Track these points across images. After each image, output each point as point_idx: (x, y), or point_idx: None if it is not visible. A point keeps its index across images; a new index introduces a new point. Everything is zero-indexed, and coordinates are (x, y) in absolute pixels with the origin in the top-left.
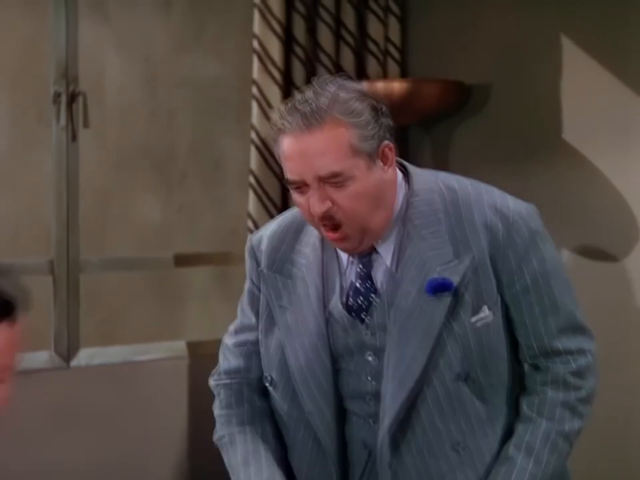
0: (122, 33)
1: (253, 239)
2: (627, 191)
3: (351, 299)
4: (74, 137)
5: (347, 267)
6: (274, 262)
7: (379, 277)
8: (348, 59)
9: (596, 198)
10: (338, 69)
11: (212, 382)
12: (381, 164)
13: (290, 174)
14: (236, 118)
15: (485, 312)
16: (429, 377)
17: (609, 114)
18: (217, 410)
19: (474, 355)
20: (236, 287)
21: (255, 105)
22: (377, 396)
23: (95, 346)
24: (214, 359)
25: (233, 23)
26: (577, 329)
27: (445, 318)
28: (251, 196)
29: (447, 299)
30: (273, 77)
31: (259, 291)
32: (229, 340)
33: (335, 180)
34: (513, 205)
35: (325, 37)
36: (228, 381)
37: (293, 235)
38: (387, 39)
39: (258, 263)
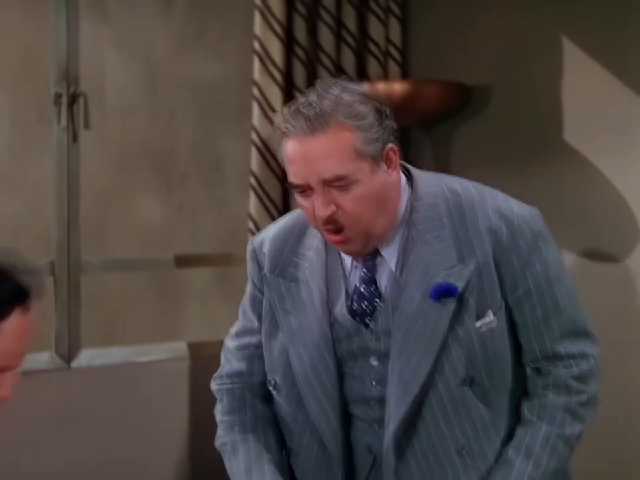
0: (122, 33)
1: (254, 241)
2: (627, 191)
3: (355, 304)
4: (75, 138)
5: (350, 271)
6: (277, 265)
7: (383, 281)
8: (349, 59)
9: (596, 198)
10: (338, 70)
11: (214, 386)
12: (385, 167)
13: (294, 177)
14: (236, 119)
15: (490, 317)
16: (433, 382)
17: (609, 114)
18: (219, 415)
19: (479, 359)
20: (236, 288)
21: (255, 106)
22: (381, 401)
23: (95, 347)
24: (215, 360)
25: (234, 23)
26: (580, 333)
27: (450, 323)
28: (252, 197)
29: (451, 304)
30: (273, 78)
31: (262, 294)
32: (230, 343)
33: (339, 183)
34: (517, 208)
35: (326, 37)
36: (230, 386)
37: (295, 237)
38: (388, 40)
39: (260, 266)
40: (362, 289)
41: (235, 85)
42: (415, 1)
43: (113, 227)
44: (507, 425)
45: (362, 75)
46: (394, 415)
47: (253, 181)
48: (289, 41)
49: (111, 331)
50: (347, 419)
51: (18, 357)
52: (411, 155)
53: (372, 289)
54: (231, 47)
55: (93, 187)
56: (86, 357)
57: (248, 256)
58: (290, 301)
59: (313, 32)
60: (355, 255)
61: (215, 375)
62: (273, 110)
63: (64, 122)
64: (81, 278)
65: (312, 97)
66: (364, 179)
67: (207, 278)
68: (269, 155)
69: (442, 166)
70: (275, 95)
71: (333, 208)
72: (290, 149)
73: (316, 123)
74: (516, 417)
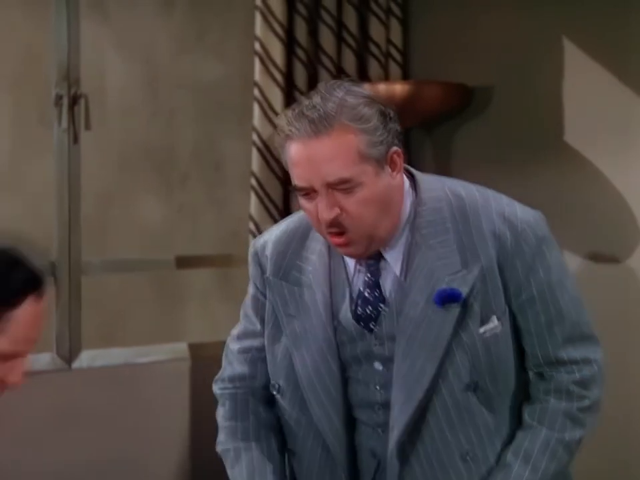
0: (123, 34)
1: (256, 244)
2: (627, 191)
3: (359, 308)
4: (75, 139)
5: (353, 275)
6: (280, 269)
7: (388, 285)
8: (349, 61)
9: (597, 198)
10: (339, 71)
11: (217, 390)
12: (389, 170)
13: (298, 180)
14: (237, 120)
15: (494, 322)
16: (437, 388)
17: (610, 114)
18: (222, 421)
19: (483, 365)
20: (237, 289)
21: (256, 107)
22: (385, 405)
23: (96, 348)
24: (215, 361)
25: (234, 24)
26: (584, 338)
27: (454, 329)
28: (253, 198)
29: (455, 310)
30: (274, 79)
31: (264, 297)
32: (232, 345)
33: (343, 186)
34: (521, 213)
35: (327, 39)
36: (233, 390)
37: (298, 240)
38: (389, 41)
39: (263, 270)
40: (366, 294)
41: (235, 86)
42: (415, 2)
43: (113, 227)
44: (511, 430)
45: (363, 76)
46: (398, 419)
47: (253, 181)
48: (289, 42)
49: (112, 332)
50: (351, 423)
51: (30, 344)
52: (411, 156)
53: (376, 294)
54: (231, 47)
55: (93, 188)
56: (87, 358)
57: (250, 258)
58: (293, 305)
59: (313, 33)
60: (357, 258)
61: (216, 377)
62: (274, 111)
63: (65, 123)
64: (81, 279)
65: (316, 99)
66: (368, 182)
67: (207, 279)
68: (270, 156)
69: (443, 167)
70: (275, 95)
71: (337, 211)
72: (294, 152)
73: (320, 125)
74: (519, 422)
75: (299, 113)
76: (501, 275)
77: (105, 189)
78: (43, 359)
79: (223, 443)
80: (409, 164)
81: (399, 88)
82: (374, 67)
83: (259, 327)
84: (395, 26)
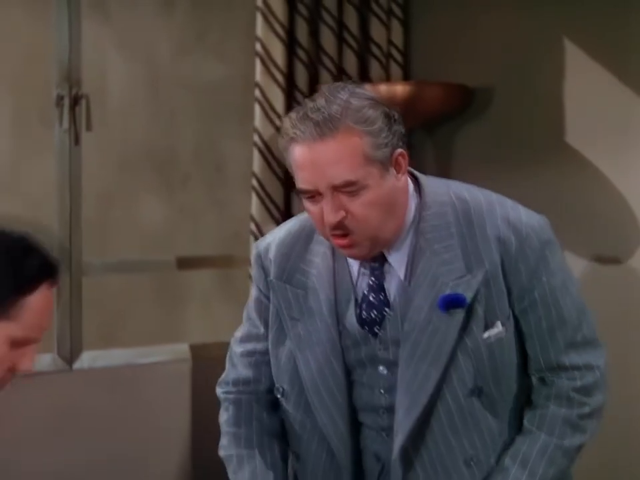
0: (124, 35)
1: (259, 246)
2: (628, 191)
3: (364, 312)
4: (76, 140)
5: (357, 278)
6: (283, 272)
7: (392, 289)
8: (351, 61)
9: (598, 198)
10: (340, 72)
11: (220, 393)
12: (394, 172)
13: (303, 183)
14: (238, 120)
15: (499, 327)
16: (442, 393)
17: (610, 115)
18: (225, 426)
19: (487, 370)
20: (238, 289)
21: (257, 108)
22: (390, 409)
23: (97, 349)
24: (216, 362)
25: (235, 24)
26: (586, 343)
27: (458, 334)
28: (254, 199)
29: (459, 315)
30: (275, 80)
31: (268, 300)
32: (236, 347)
33: (348, 189)
34: (526, 217)
35: (328, 39)
36: (237, 396)
37: (302, 243)
38: (390, 42)
39: (266, 272)
40: (371, 298)
41: (236, 87)
42: (416, 3)
43: (114, 228)
44: (515, 436)
45: (363, 76)
46: (402, 424)
47: (254, 182)
48: (290, 43)
49: (113, 333)
50: (355, 427)
51: (42, 331)
52: (412, 157)
53: (381, 297)
54: (232, 48)
55: (94, 189)
56: (88, 359)
57: (253, 261)
58: (297, 308)
59: (314, 34)
60: (360, 259)
61: (220, 380)
62: (275, 111)
63: (66, 124)
64: (82, 279)
65: (320, 101)
66: (373, 184)
67: (208, 279)
68: (271, 157)
69: (444, 167)
70: (276, 96)
71: (342, 214)
72: (298, 155)
73: (325, 128)
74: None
75: (304, 116)
76: (504, 280)
77: (105, 189)
78: (44, 360)
79: (226, 448)
80: (409, 165)
81: (399, 89)
82: (375, 68)
83: (262, 329)
84: (396, 27)
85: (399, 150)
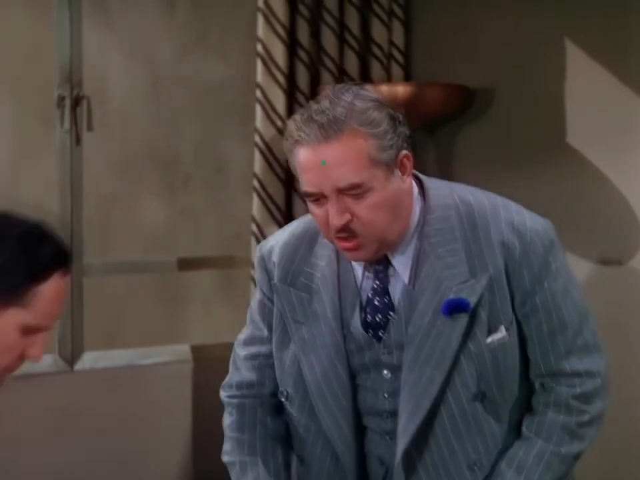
0: (125, 35)
1: (263, 249)
2: (629, 191)
3: (369, 316)
4: (78, 141)
5: (362, 281)
6: (287, 275)
7: (396, 293)
8: (352, 62)
9: (599, 199)
10: (342, 73)
11: (224, 397)
12: (399, 173)
13: (307, 186)
14: (240, 121)
15: (502, 332)
16: (445, 397)
17: (610, 115)
18: (229, 431)
19: (490, 374)
20: (239, 291)
21: (258, 109)
22: (393, 413)
23: (98, 349)
24: (218, 363)
25: (237, 25)
26: (588, 348)
27: (462, 338)
28: (255, 200)
29: (463, 320)
30: (276, 81)
31: (271, 302)
32: (240, 350)
33: (354, 192)
34: (530, 222)
35: (329, 40)
36: (241, 400)
37: (306, 246)
38: (391, 43)
39: (270, 276)
40: (376, 301)
41: (237, 87)
42: (417, 4)
43: (115, 229)
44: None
45: (365, 77)
46: (405, 428)
47: (256, 183)
48: (291, 44)
49: (114, 334)
50: (359, 430)
51: (53, 319)
52: (413, 157)
53: (386, 300)
54: (233, 49)
55: (95, 190)
56: (89, 360)
57: (256, 264)
58: (302, 312)
59: (315, 34)
60: (364, 261)
61: (223, 383)
62: (276, 112)
63: (67, 124)
64: (83, 280)
65: (325, 103)
66: (378, 187)
67: (209, 280)
68: (272, 158)
69: (445, 168)
70: (277, 97)
71: (347, 217)
72: (303, 157)
73: (329, 130)
74: None
75: (308, 118)
76: (508, 284)
77: (107, 190)
78: (45, 361)
79: (229, 454)
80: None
81: (401, 89)
82: (376, 69)
83: (266, 333)
84: (397, 27)
85: (404, 152)
